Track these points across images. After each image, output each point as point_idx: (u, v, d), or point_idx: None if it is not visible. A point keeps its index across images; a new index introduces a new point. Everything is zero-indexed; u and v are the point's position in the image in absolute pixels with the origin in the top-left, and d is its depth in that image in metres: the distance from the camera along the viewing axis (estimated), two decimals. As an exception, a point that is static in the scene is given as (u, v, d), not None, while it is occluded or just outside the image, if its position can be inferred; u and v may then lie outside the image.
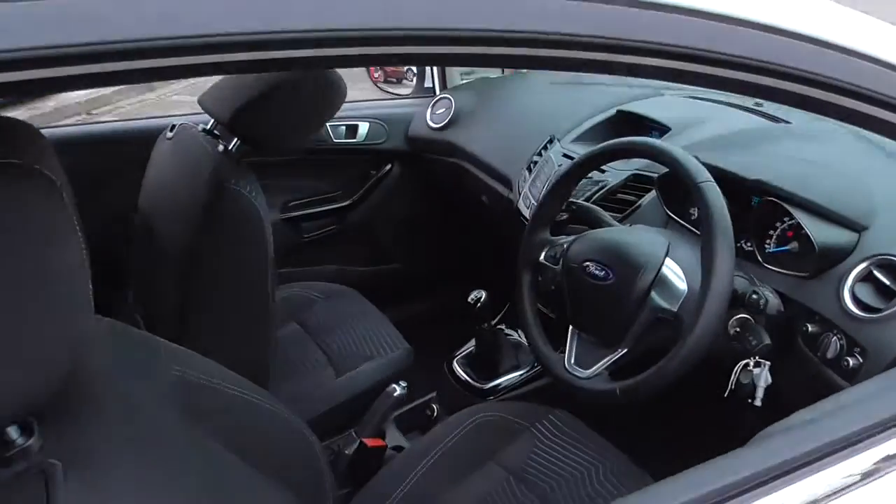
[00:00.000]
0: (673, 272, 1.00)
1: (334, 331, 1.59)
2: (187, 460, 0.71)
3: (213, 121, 1.34)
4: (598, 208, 1.25)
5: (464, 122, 1.90)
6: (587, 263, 1.08)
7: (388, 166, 2.06)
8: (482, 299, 1.41)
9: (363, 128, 1.98)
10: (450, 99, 1.95)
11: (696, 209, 1.10)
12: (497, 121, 1.84)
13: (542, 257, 1.19)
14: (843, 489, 0.61)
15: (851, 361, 0.94)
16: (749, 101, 1.54)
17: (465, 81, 2.12)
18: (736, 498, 0.57)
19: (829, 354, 0.97)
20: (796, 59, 0.59)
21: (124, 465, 0.60)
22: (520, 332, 1.62)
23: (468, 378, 1.53)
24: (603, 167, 1.38)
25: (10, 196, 0.48)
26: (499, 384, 1.51)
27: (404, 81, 2.20)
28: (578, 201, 1.28)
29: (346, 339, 1.58)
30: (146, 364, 0.79)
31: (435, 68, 2.09)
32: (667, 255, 1.02)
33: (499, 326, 1.61)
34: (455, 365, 1.58)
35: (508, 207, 1.67)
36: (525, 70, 2.03)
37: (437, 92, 2.09)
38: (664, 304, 0.98)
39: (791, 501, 0.58)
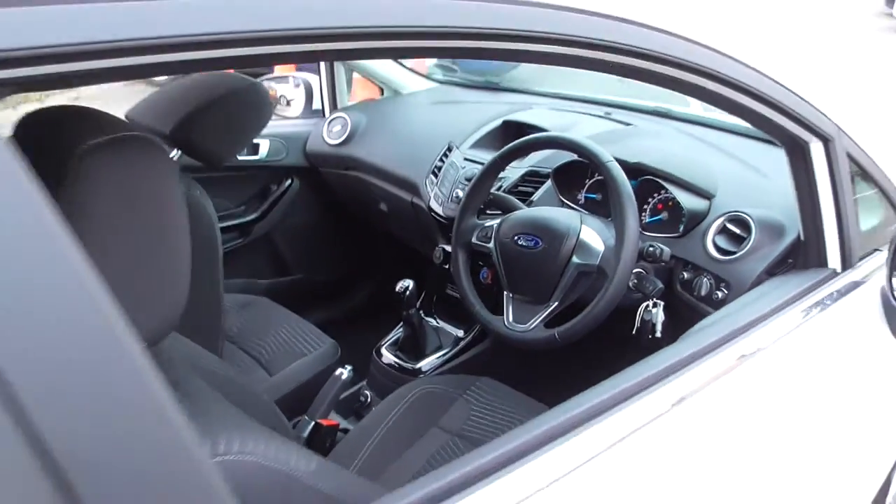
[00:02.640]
0: (589, 236, 1.28)
1: (257, 336, 1.68)
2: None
3: None
4: (510, 196, 1.51)
5: (360, 138, 2.09)
6: (517, 237, 1.33)
7: (289, 181, 2.20)
8: (409, 288, 1.61)
9: (264, 146, 2.10)
10: (345, 117, 2.14)
11: (601, 185, 1.39)
12: (393, 135, 2.06)
13: (473, 238, 1.43)
14: (710, 381, 0.88)
15: (720, 294, 1.27)
16: (600, 111, 1.90)
17: (352, 103, 2.32)
18: (632, 397, 0.77)
19: (703, 292, 1.29)
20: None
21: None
22: (436, 317, 1.83)
23: (398, 361, 1.71)
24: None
25: (142, 164, 0.61)
26: (427, 363, 1.70)
27: (287, 105, 2.34)
28: (494, 192, 1.53)
29: (271, 341, 1.67)
30: None
31: (324, 90, 2.26)
32: (581, 223, 1.30)
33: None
34: (384, 351, 1.75)
35: (409, 209, 1.89)
36: (406, 91, 2.28)
37: (327, 113, 2.26)
38: (587, 262, 1.26)
39: (674, 393, 0.83)
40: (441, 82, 2.36)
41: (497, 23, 0.68)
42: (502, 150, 1.43)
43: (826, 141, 1.11)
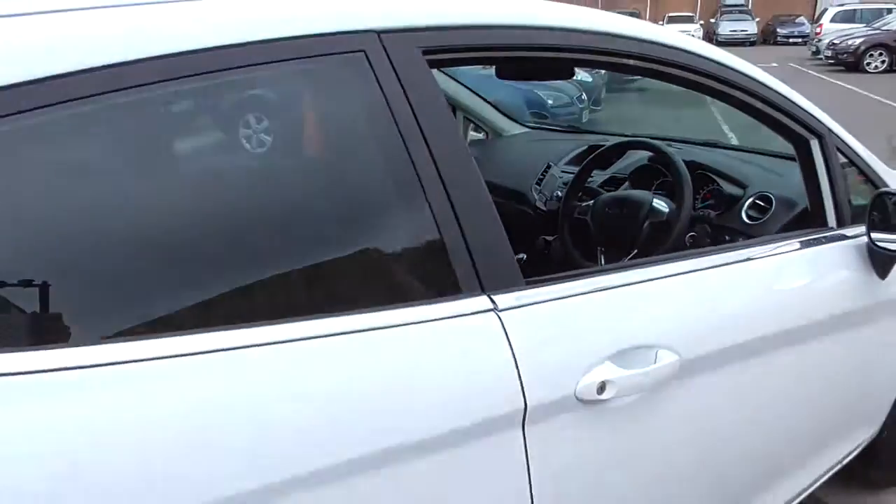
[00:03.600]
0: (659, 203, 1.88)
1: None
2: None
3: None
4: (599, 188, 2.13)
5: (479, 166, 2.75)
6: (608, 208, 1.93)
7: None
8: (524, 258, 2.20)
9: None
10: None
11: (667, 185, 1.99)
12: (504, 162, 2.72)
13: (575, 214, 2.03)
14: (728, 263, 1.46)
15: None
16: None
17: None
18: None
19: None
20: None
21: None
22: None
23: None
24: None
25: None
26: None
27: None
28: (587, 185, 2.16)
29: None
30: None
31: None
32: (653, 197, 1.90)
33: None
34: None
35: (513, 215, 2.51)
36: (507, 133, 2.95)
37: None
38: (657, 219, 1.85)
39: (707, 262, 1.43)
40: (533, 127, 3.04)
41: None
42: (599, 150, 2.07)
43: (821, 137, 1.69)
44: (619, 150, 2.08)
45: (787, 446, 1.65)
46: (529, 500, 1.06)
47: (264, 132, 1.29)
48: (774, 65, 16.25)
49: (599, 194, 2.08)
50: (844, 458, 1.91)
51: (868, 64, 16.28)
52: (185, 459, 0.78)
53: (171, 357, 0.79)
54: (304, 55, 0.98)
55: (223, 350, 0.83)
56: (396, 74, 1.03)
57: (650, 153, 2.07)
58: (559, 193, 2.29)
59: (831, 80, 14.45)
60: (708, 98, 1.97)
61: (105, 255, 0.86)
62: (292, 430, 0.85)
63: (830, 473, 1.91)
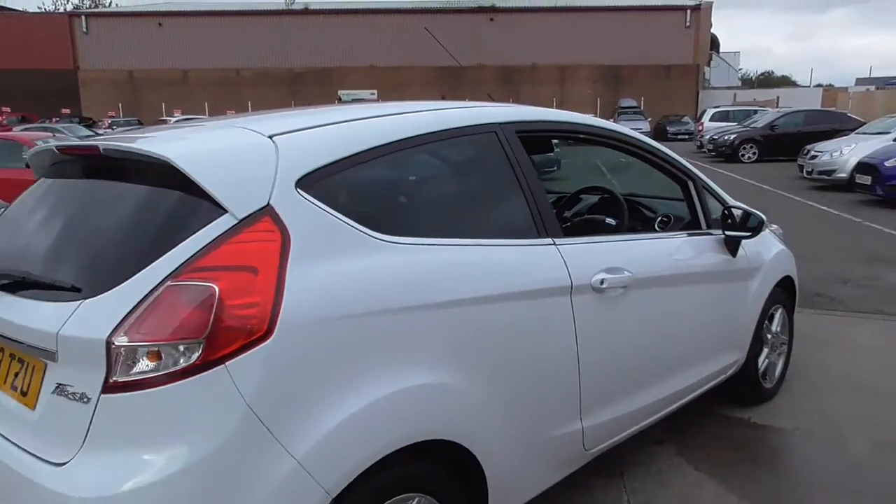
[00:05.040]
0: (609, 220, 3.24)
1: None
2: None
3: None
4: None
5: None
6: (585, 220, 3.28)
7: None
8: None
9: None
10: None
11: (615, 205, 3.38)
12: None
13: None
14: (638, 241, 2.86)
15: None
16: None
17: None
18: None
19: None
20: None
21: None
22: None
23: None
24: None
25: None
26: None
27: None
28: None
29: None
30: None
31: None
32: (605, 218, 3.26)
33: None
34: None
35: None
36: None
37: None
38: (610, 227, 3.21)
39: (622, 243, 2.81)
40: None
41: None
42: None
43: (693, 180, 3.13)
44: (590, 191, 3.50)
45: (693, 342, 2.97)
46: (573, 334, 2.31)
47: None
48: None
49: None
50: (725, 368, 3.25)
51: (742, 155, 19.06)
52: (448, 281, 2.00)
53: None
54: (474, 133, 2.29)
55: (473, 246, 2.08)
56: (507, 141, 2.34)
57: (605, 195, 3.45)
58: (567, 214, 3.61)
59: (715, 169, 16.92)
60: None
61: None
62: (480, 273, 2.07)
63: (719, 379, 3.24)
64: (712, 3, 40.09)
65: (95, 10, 46.55)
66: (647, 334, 2.66)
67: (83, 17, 41.09)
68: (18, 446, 1.66)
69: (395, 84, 38.43)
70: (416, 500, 1.85)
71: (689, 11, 39.56)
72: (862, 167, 11.64)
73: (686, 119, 31.96)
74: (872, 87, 36.61)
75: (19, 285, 1.76)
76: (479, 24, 39.90)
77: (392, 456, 1.73)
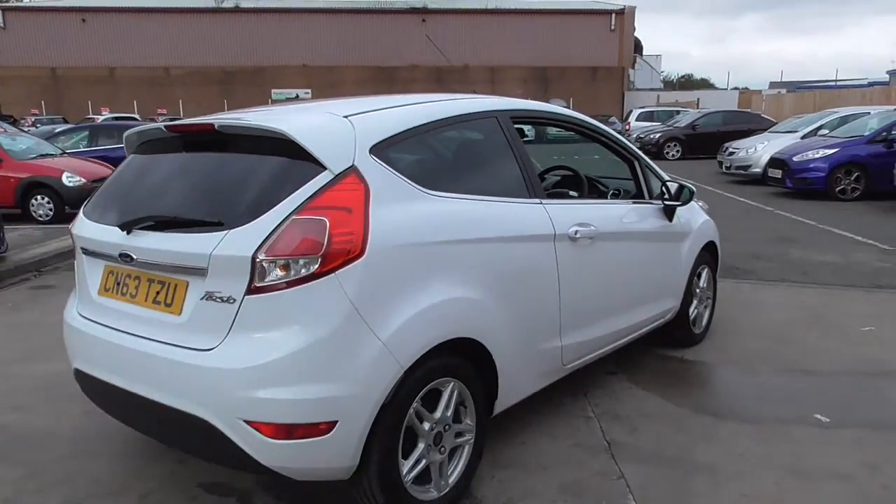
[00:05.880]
0: (572, 193, 3.98)
1: None
2: None
3: None
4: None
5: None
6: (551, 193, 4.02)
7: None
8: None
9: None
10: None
11: (577, 181, 4.12)
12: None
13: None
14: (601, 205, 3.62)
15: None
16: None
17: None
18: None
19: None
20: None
21: None
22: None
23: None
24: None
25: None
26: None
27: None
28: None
29: None
30: None
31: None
32: (568, 191, 4.00)
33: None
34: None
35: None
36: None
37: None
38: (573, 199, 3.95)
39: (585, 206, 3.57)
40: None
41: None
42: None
43: (638, 159, 3.91)
44: (556, 169, 4.23)
45: (641, 286, 3.75)
46: (556, 271, 3.02)
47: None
48: (597, 157, 20.00)
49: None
50: (665, 312, 4.04)
51: (667, 153, 20.44)
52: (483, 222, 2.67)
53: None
54: (482, 118, 2.98)
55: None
56: (504, 125, 3.04)
57: (568, 172, 4.18)
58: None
59: (641, 164, 18.20)
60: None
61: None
62: (494, 220, 2.75)
63: (660, 321, 4.03)
64: (635, 7, 42.09)
65: (13, 4, 44.66)
66: (607, 276, 3.41)
67: (0, 12, 39.54)
68: (168, 343, 2.24)
69: (329, 83, 38.56)
70: (451, 384, 2.52)
71: (613, 15, 41.37)
72: (774, 162, 12.96)
73: (613, 119, 33.25)
74: (784, 91, 39.25)
75: (165, 225, 2.33)
76: (412, 24, 40.61)
77: (439, 347, 2.39)
